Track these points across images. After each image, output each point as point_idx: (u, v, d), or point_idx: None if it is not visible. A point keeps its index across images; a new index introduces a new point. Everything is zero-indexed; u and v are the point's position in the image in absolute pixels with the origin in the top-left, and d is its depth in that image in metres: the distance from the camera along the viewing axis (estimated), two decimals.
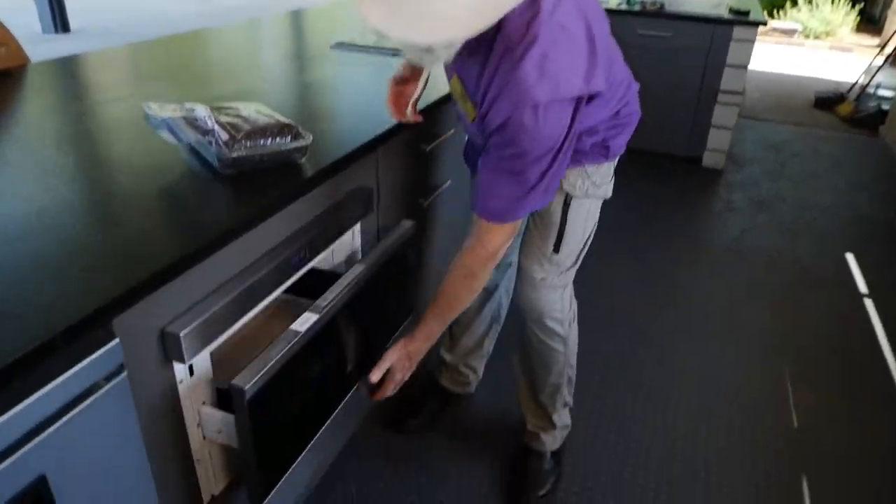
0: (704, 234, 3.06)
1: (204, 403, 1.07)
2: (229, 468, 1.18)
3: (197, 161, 1.22)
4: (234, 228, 1.01)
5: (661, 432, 1.86)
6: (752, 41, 3.37)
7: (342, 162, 1.27)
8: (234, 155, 1.13)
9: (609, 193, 1.40)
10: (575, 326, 1.56)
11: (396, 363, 1.27)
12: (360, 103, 1.59)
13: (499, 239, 1.19)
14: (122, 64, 2.03)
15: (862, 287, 2.64)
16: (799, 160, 3.98)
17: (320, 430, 1.17)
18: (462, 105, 1.20)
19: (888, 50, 5.15)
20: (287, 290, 1.45)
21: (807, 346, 2.27)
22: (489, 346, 1.85)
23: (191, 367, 1.01)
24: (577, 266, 1.46)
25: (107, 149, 1.29)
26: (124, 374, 0.86)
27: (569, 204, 1.35)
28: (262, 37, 2.52)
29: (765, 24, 3.43)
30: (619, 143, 1.34)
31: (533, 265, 1.43)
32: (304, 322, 1.06)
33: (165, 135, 1.15)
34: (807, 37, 8.16)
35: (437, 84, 1.64)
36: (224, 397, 1.12)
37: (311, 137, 1.22)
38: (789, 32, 8.12)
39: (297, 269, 1.20)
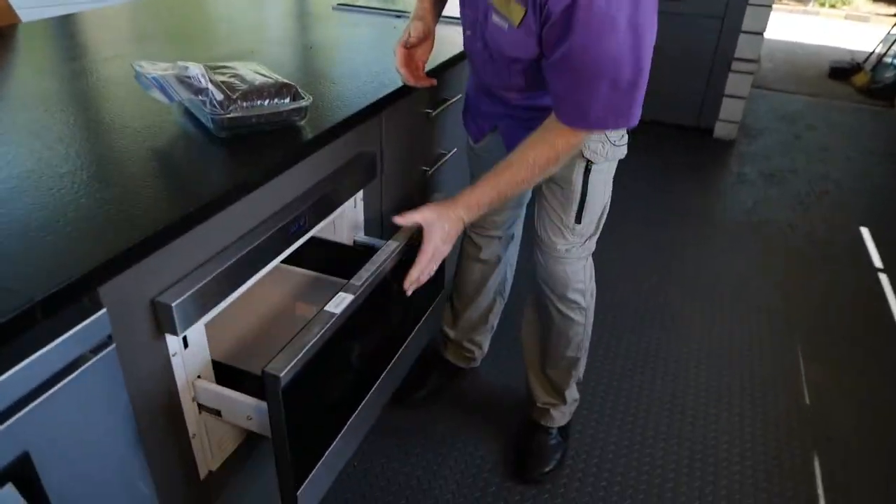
0: (715, 208, 2.99)
1: (199, 377, 1.02)
2: (227, 443, 1.14)
3: (191, 123, 1.16)
4: (230, 193, 0.95)
5: (669, 409, 1.83)
6: (770, 6, 3.26)
7: (344, 125, 1.20)
8: (230, 116, 1.07)
9: (625, 152, 1.35)
10: (594, 297, 1.52)
11: (430, 227, 1.12)
12: (364, 65, 1.51)
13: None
14: (118, 23, 1.95)
15: (877, 261, 2.58)
16: (813, 132, 3.89)
17: (352, 416, 1.10)
18: (502, 7, 1.08)
19: None
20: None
21: (820, 323, 2.22)
22: (494, 321, 1.80)
23: (185, 340, 0.96)
24: (598, 234, 1.41)
25: (96, 110, 1.22)
26: (112, 346, 0.81)
27: (590, 171, 1.30)
28: None
29: None
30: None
31: (556, 238, 1.38)
32: (339, 303, 0.98)
33: (156, 94, 1.09)
34: (822, 5, 7.96)
35: (442, 48, 1.57)
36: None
37: (311, 99, 1.16)
38: (804, 1, 7.91)
39: (297, 238, 1.14)
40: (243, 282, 1.03)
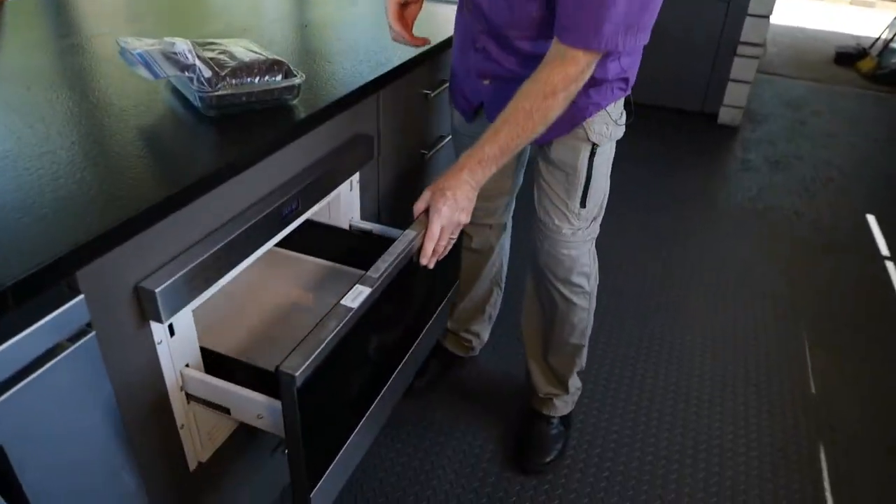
0: (719, 194, 2.94)
1: (187, 366, 0.98)
2: (217, 434, 1.10)
3: (179, 102, 1.11)
4: (218, 173, 0.90)
5: (673, 397, 1.79)
6: None
7: (339, 104, 1.15)
8: (218, 93, 1.02)
9: (623, 131, 1.31)
10: (598, 282, 1.48)
11: (433, 202, 1.05)
12: (360, 44, 1.46)
13: (592, 57, 1.03)
14: (107, 0, 1.89)
15: (883, 249, 2.54)
16: (818, 118, 3.83)
17: (366, 413, 1.05)
18: None
19: None
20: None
21: (825, 311, 2.18)
22: (492, 311, 1.77)
23: (171, 327, 0.92)
24: (601, 216, 1.38)
25: (81, 88, 1.17)
26: (92, 334, 0.77)
27: (595, 154, 1.26)
28: None
29: None
30: (635, 71, 1.25)
31: (561, 223, 1.33)
32: (356, 297, 0.91)
33: (141, 71, 1.04)
34: None
35: (441, 28, 1.52)
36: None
37: (304, 77, 1.11)
38: None
39: (290, 221, 1.10)
40: (233, 266, 0.99)
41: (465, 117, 1.39)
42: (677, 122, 3.61)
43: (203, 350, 1.03)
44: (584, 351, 1.54)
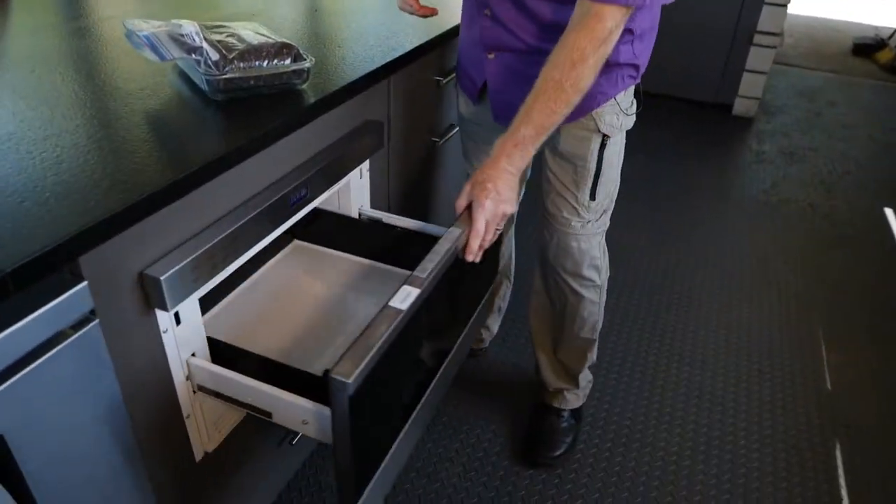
0: (733, 186, 2.90)
1: (193, 355, 0.96)
2: (224, 424, 1.08)
3: (185, 86, 1.09)
4: (224, 158, 0.88)
5: (685, 393, 1.76)
6: None
7: (349, 90, 1.13)
8: (226, 77, 0.99)
9: (634, 120, 1.27)
10: (608, 275, 1.45)
11: (474, 196, 1.01)
12: (371, 29, 1.43)
13: (619, 13, 0.96)
14: None
15: None
16: (834, 109, 3.76)
17: (412, 416, 1.02)
18: None
19: None
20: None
21: (841, 305, 2.14)
22: (501, 303, 1.74)
23: (176, 315, 0.90)
24: (611, 208, 1.34)
25: (87, 71, 1.15)
26: (96, 321, 0.75)
27: (605, 146, 1.22)
28: None
29: None
30: (646, 59, 1.21)
31: (570, 216, 1.30)
32: (405, 298, 0.86)
33: (148, 53, 1.02)
34: None
35: (451, 15, 1.48)
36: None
37: (314, 61, 1.08)
38: None
39: (299, 209, 1.08)
40: (240, 254, 0.97)
41: (472, 99, 1.34)
42: (691, 112, 3.56)
43: (239, 350, 1.01)
44: (595, 346, 1.52)
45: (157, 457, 0.95)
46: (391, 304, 0.85)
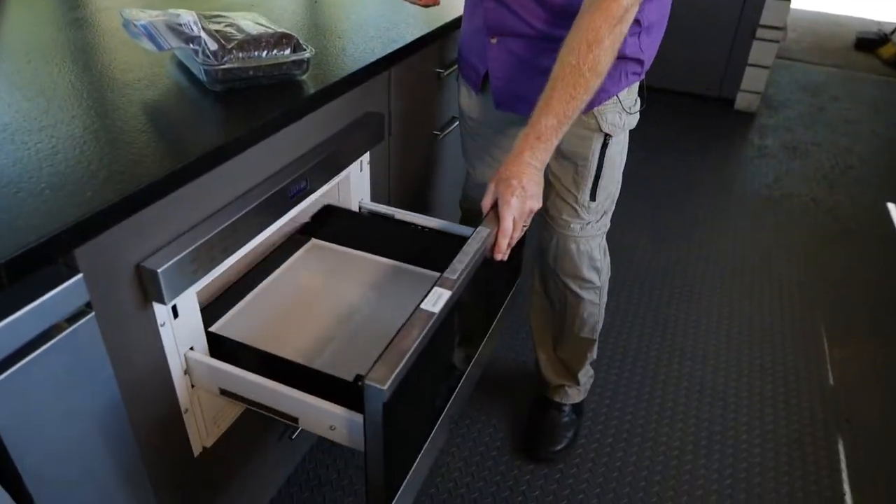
0: (735, 181, 2.88)
1: (191, 349, 0.95)
2: (222, 419, 1.07)
3: (184, 76, 1.07)
4: (223, 148, 0.87)
5: (687, 388, 1.75)
6: None
7: (349, 81, 1.11)
8: (224, 67, 0.98)
9: (637, 118, 1.25)
10: (609, 275, 1.43)
11: (499, 195, 0.98)
12: (372, 20, 1.41)
13: None
14: None
15: None
16: (837, 104, 3.74)
17: (439, 420, 1.00)
18: None
19: None
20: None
21: (843, 300, 2.12)
22: None
23: (174, 309, 0.89)
24: (612, 209, 1.32)
25: (84, 62, 1.14)
26: (91, 314, 0.74)
27: (607, 145, 1.20)
28: None
29: None
30: (652, 54, 1.18)
31: (569, 218, 1.27)
32: (437, 301, 0.84)
33: (145, 43, 1.00)
34: None
35: (453, 7, 1.47)
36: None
37: (314, 51, 1.07)
38: None
39: (298, 201, 1.06)
40: (240, 246, 0.96)
41: (475, 89, 1.29)
42: (693, 106, 3.54)
43: (261, 353, 0.99)
44: (595, 345, 1.50)
45: (155, 452, 0.95)
46: (423, 306, 0.83)
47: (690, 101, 3.56)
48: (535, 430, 1.56)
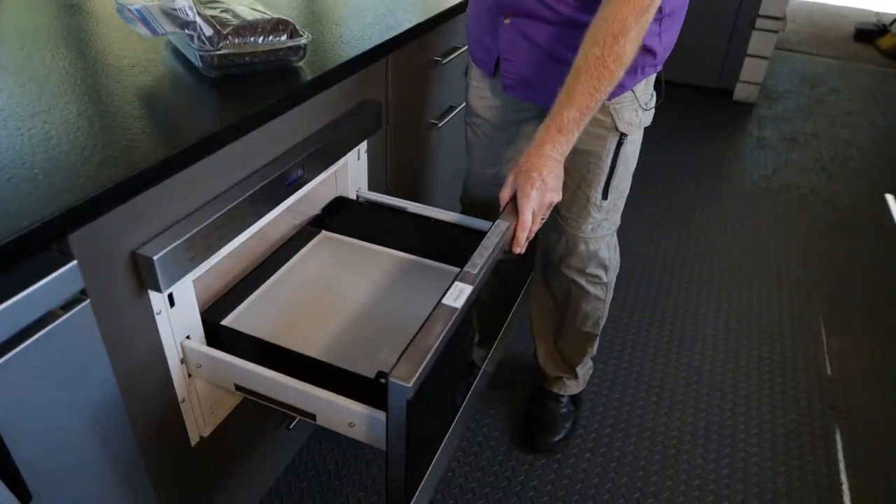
0: (734, 173, 2.88)
1: (188, 338, 0.95)
2: (220, 408, 1.07)
3: (179, 62, 1.06)
4: (218, 135, 0.86)
5: (685, 378, 1.75)
6: None
7: (346, 67, 1.10)
8: (220, 53, 0.97)
9: (652, 115, 1.22)
10: (617, 272, 1.41)
11: (518, 188, 0.96)
12: (370, 7, 1.40)
13: None
14: None
15: None
16: (836, 95, 3.73)
17: (457, 416, 0.99)
18: None
19: None
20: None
21: (842, 291, 2.12)
22: None
23: (170, 297, 0.88)
24: (623, 205, 1.30)
25: (78, 48, 1.12)
26: (86, 302, 0.73)
27: (622, 143, 1.17)
28: None
29: None
30: (671, 42, 1.14)
31: (580, 217, 1.24)
32: (458, 296, 0.82)
33: (139, 28, 0.99)
34: None
35: None
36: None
37: (310, 37, 1.06)
38: None
39: (295, 190, 1.05)
40: (236, 235, 0.95)
41: (487, 73, 1.23)
42: (691, 97, 3.53)
43: (278, 348, 0.96)
44: (597, 340, 1.48)
45: (152, 441, 0.94)
46: (444, 302, 0.81)
47: (689, 92, 3.55)
48: (534, 420, 1.56)
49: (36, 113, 0.86)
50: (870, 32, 4.71)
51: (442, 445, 0.94)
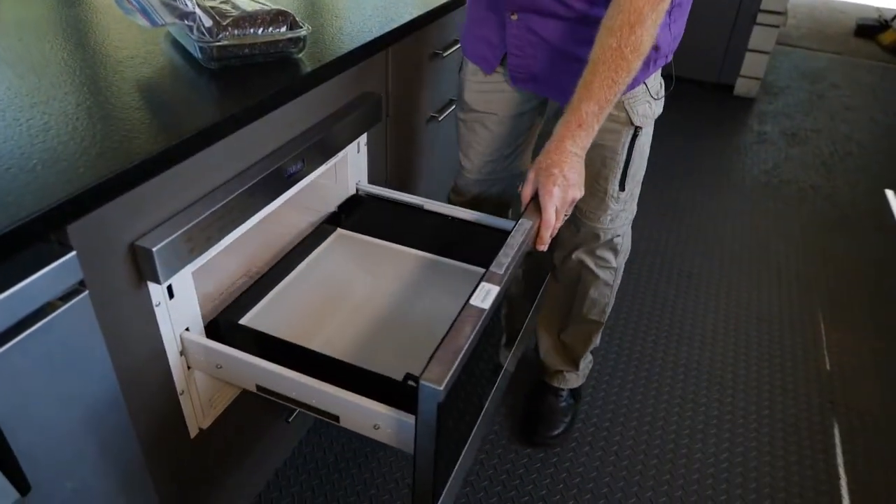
0: (734, 168, 2.87)
1: (187, 330, 0.94)
2: (219, 400, 1.07)
3: (178, 54, 1.05)
4: (218, 126, 0.85)
5: (684, 373, 1.76)
6: None
7: (346, 59, 1.10)
8: (219, 44, 0.96)
9: (663, 104, 1.22)
10: (626, 258, 1.40)
11: (540, 185, 0.96)
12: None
13: None
14: None
15: None
16: (836, 91, 3.72)
17: (482, 412, 0.98)
18: None
19: None
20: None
21: (841, 287, 2.12)
22: None
23: (170, 289, 0.88)
24: (638, 193, 1.29)
25: (77, 39, 1.12)
26: (85, 293, 0.73)
27: (637, 136, 1.17)
28: None
29: None
30: (681, 31, 1.14)
31: (598, 210, 1.24)
32: (486, 296, 0.81)
33: (139, 19, 0.98)
34: None
35: None
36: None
37: (310, 28, 1.05)
38: None
39: (295, 182, 1.05)
40: (235, 227, 0.95)
41: (485, 66, 1.21)
42: (692, 92, 3.52)
43: (300, 348, 0.95)
44: (601, 330, 1.48)
45: (151, 433, 0.94)
46: (472, 302, 0.81)
47: (689, 87, 3.55)
48: (533, 414, 1.56)
49: (34, 104, 0.86)
50: (871, 28, 4.69)
51: (466, 447, 0.93)
